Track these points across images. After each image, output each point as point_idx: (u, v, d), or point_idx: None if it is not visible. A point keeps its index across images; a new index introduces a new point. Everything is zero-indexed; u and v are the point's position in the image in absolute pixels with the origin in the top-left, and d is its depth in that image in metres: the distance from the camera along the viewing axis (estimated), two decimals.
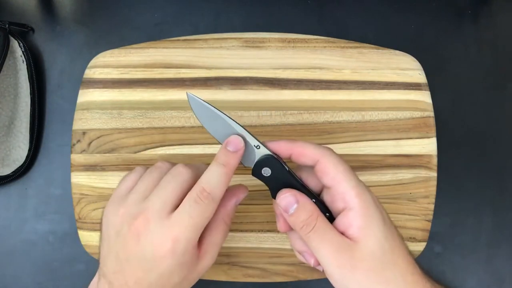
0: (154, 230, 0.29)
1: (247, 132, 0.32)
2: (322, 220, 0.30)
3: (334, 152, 0.31)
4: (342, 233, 0.30)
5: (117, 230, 0.30)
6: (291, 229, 0.33)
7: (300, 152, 0.31)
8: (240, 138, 0.31)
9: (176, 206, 0.30)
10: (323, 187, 0.33)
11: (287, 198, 0.31)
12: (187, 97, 0.32)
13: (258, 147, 0.32)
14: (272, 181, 0.32)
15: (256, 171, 0.32)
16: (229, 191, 0.33)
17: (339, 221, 0.30)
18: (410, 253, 0.31)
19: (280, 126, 0.43)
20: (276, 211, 0.33)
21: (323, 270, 0.31)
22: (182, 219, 0.29)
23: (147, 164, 0.42)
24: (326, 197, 0.32)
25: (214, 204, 0.30)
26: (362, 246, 0.29)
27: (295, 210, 0.30)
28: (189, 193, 0.30)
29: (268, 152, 0.32)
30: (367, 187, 0.31)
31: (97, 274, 0.32)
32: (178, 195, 0.30)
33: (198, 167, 0.33)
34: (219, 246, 0.32)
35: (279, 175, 0.32)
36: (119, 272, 0.29)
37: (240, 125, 0.32)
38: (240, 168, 0.32)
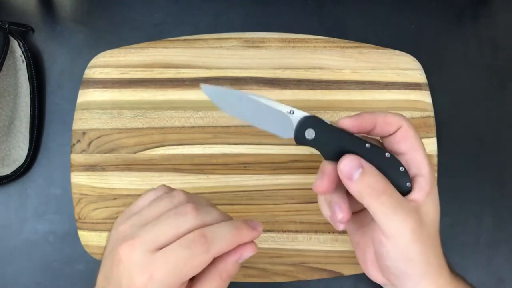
0: (135, 260, 0.27)
1: (275, 102, 0.30)
2: (390, 184, 0.30)
3: (408, 118, 0.32)
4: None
5: (111, 246, 0.30)
6: (328, 191, 0.31)
7: (385, 121, 0.31)
8: (261, 225, 0.31)
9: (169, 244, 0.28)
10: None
11: (351, 162, 0.29)
12: (202, 90, 0.30)
13: (291, 112, 0.30)
14: (320, 142, 0.30)
15: (299, 137, 0.30)
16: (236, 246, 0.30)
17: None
18: None
19: None
20: (325, 169, 0.31)
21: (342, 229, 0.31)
22: (165, 259, 0.27)
23: (147, 164, 0.43)
24: None
25: (207, 256, 0.27)
26: (425, 211, 0.30)
27: (361, 174, 0.29)
28: (188, 234, 0.28)
29: (305, 114, 0.30)
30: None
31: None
32: (173, 234, 0.28)
33: (209, 212, 0.30)
34: None
35: (325, 132, 0.30)
36: None
37: (262, 96, 0.30)
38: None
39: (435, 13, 0.50)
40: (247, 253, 0.30)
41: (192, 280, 0.29)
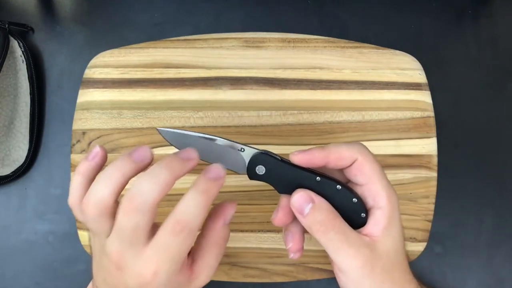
0: (132, 264, 0.27)
1: (225, 140, 0.31)
2: (340, 219, 0.30)
3: (368, 149, 0.31)
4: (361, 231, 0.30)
5: (99, 251, 0.29)
6: (286, 223, 0.32)
7: (337, 157, 0.30)
8: (221, 167, 0.28)
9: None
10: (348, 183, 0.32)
11: (301, 197, 0.30)
12: (159, 132, 0.32)
13: (242, 150, 0.31)
14: (271, 177, 0.31)
15: (251, 174, 0.31)
16: (215, 211, 0.30)
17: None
18: None
19: (280, 126, 0.43)
20: (280, 203, 0.32)
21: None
22: (158, 253, 0.26)
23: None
24: None
25: (191, 236, 0.27)
26: (380, 246, 0.29)
27: (311, 209, 0.29)
28: (164, 223, 0.27)
29: (255, 151, 0.31)
30: (393, 188, 0.31)
31: (91, 283, 0.32)
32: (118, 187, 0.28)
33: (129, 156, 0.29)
34: (214, 267, 0.30)
35: (274, 167, 0.31)
36: None
37: (216, 136, 0.31)
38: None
39: (435, 13, 0.50)
40: (229, 212, 0.30)
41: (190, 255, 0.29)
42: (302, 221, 0.30)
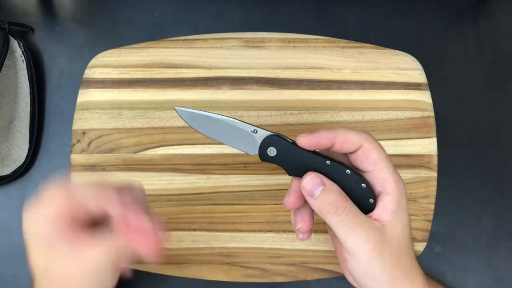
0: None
1: (239, 121, 0.32)
2: (350, 202, 0.30)
3: (374, 137, 0.31)
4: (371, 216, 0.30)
5: None
6: (298, 207, 0.32)
7: (344, 139, 0.31)
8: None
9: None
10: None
11: (312, 179, 0.30)
12: (177, 112, 0.33)
13: (255, 131, 0.32)
14: (282, 159, 0.32)
15: (262, 155, 0.32)
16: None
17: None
18: None
19: (280, 126, 0.43)
20: (291, 186, 0.32)
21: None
22: None
23: (147, 164, 0.43)
24: None
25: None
26: (390, 230, 0.30)
27: (321, 191, 0.30)
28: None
29: (267, 133, 0.32)
30: (399, 174, 0.31)
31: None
32: None
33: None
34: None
35: (286, 150, 0.31)
36: None
37: (230, 117, 0.32)
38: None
39: (435, 13, 0.50)
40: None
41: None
42: (312, 203, 0.30)
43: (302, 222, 0.33)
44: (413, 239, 0.42)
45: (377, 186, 0.31)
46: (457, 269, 0.45)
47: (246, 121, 0.32)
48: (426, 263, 0.45)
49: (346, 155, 0.33)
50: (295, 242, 0.42)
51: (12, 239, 0.46)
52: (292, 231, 0.42)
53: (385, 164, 0.31)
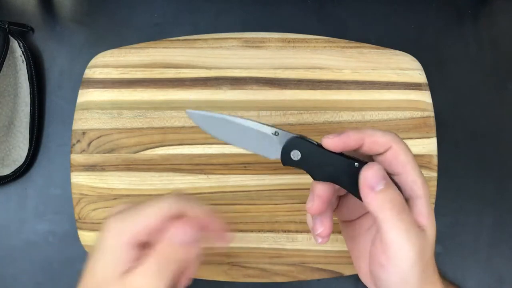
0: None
1: (257, 123, 0.30)
2: (405, 202, 0.29)
3: (400, 138, 0.30)
4: None
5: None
6: (322, 212, 0.31)
7: (373, 140, 0.29)
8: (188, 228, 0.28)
9: None
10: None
11: (377, 172, 0.28)
12: (188, 115, 0.31)
13: (276, 133, 0.29)
14: (307, 163, 0.29)
15: (285, 159, 0.30)
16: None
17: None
18: None
19: (280, 126, 0.43)
20: (316, 191, 0.30)
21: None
22: None
23: (147, 164, 0.43)
24: None
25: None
26: (428, 235, 0.29)
27: (385, 186, 0.28)
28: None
29: (290, 135, 0.29)
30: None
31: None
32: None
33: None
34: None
35: (311, 152, 0.29)
36: None
37: (247, 119, 0.30)
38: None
39: (435, 13, 0.50)
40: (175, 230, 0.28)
41: None
42: (369, 196, 0.28)
43: (322, 227, 0.31)
44: None
45: (407, 189, 0.30)
46: (457, 269, 0.45)
47: (264, 122, 0.30)
48: None
49: (371, 156, 0.31)
50: (295, 242, 0.42)
51: (12, 239, 0.46)
52: (292, 231, 0.42)
53: (414, 166, 0.30)
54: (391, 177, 0.30)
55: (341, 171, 0.29)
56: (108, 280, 0.27)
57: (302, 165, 0.30)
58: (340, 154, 0.30)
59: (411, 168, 0.30)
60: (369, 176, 0.28)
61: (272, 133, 0.30)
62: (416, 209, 0.29)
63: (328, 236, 0.32)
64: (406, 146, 0.30)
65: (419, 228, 0.29)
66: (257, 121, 0.30)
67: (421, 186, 0.30)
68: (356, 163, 0.29)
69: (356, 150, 0.30)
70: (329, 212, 0.32)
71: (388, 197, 0.28)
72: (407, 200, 0.30)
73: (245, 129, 0.30)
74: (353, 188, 0.29)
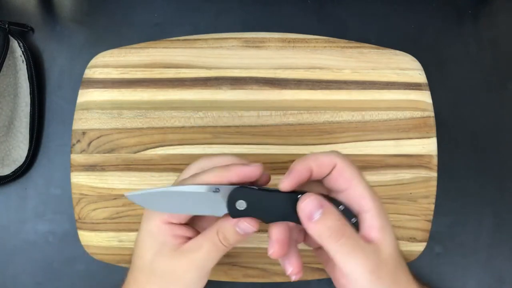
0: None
1: (199, 186, 0.30)
2: (349, 225, 0.29)
3: (343, 155, 0.31)
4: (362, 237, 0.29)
5: None
6: (285, 254, 0.31)
7: (318, 164, 0.30)
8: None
9: None
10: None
11: (312, 202, 0.28)
12: (128, 198, 0.31)
13: (217, 190, 0.29)
14: (254, 209, 0.30)
15: (233, 212, 0.30)
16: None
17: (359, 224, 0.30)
18: None
19: (280, 126, 0.43)
20: (272, 236, 0.30)
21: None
22: None
23: (147, 164, 0.42)
24: None
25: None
26: (383, 248, 0.29)
27: (322, 215, 0.28)
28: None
29: (229, 187, 0.30)
30: (373, 188, 0.31)
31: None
32: None
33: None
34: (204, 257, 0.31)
35: (254, 198, 0.29)
36: None
37: (183, 185, 0.30)
38: None
39: (435, 13, 0.50)
40: (244, 224, 0.30)
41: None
42: (309, 227, 0.29)
43: (291, 267, 0.32)
44: (412, 239, 0.42)
45: (355, 206, 0.30)
46: (457, 269, 0.45)
47: (203, 182, 0.30)
48: (426, 263, 0.45)
49: (320, 182, 0.32)
50: None
51: (12, 239, 0.46)
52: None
53: (359, 180, 0.30)
54: (337, 196, 0.31)
55: (287, 207, 0.30)
56: (159, 255, 0.30)
57: (250, 213, 0.30)
58: (286, 192, 0.30)
59: (357, 182, 0.30)
60: (304, 207, 0.29)
61: (213, 191, 0.29)
62: (366, 223, 0.29)
63: (300, 271, 0.32)
64: (351, 162, 0.30)
65: (369, 243, 0.29)
66: (196, 184, 0.30)
67: (369, 199, 0.29)
68: (299, 195, 0.29)
69: (308, 180, 0.30)
70: (293, 250, 0.32)
71: (326, 225, 0.28)
72: (357, 214, 0.30)
73: (187, 195, 0.30)
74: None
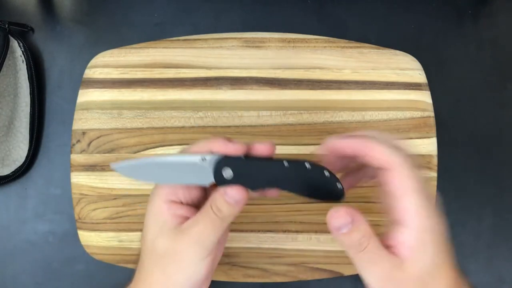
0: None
1: (186, 155, 0.30)
2: (374, 240, 0.28)
3: (410, 160, 0.28)
4: (388, 245, 0.28)
5: None
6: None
7: (375, 156, 0.28)
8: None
9: None
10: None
11: (344, 217, 0.28)
12: (115, 170, 0.31)
13: (204, 159, 0.30)
14: (241, 177, 0.30)
15: (219, 181, 0.30)
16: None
17: (389, 233, 0.29)
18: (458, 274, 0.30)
19: (280, 126, 0.43)
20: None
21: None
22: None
23: None
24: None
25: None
26: (409, 267, 0.28)
27: (349, 230, 0.28)
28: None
29: (215, 156, 0.30)
30: (437, 216, 0.29)
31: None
32: None
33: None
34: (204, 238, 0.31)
35: (240, 166, 0.30)
36: None
37: (173, 154, 0.31)
38: None
39: (435, 13, 0.50)
40: (231, 191, 0.30)
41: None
42: (336, 235, 0.28)
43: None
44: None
45: (395, 213, 0.28)
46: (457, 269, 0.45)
47: (196, 152, 0.30)
48: None
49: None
50: (295, 242, 0.42)
51: (12, 239, 0.46)
52: (292, 231, 0.42)
53: (412, 198, 0.27)
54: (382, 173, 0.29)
55: (274, 175, 0.30)
56: (159, 236, 0.30)
57: (237, 182, 0.30)
58: (267, 158, 0.30)
59: (408, 197, 0.28)
60: (335, 222, 0.28)
61: (199, 160, 0.30)
62: (399, 237, 0.28)
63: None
64: (413, 169, 0.28)
65: (393, 255, 0.28)
66: (182, 154, 0.31)
67: (415, 217, 0.28)
68: (285, 163, 0.29)
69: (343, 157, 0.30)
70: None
71: (350, 239, 0.28)
72: (396, 222, 0.28)
73: (174, 165, 0.30)
74: (289, 187, 0.30)
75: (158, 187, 0.31)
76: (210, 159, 0.30)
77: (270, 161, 0.30)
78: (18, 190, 0.47)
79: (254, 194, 0.31)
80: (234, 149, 0.30)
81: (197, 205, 0.32)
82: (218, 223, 0.30)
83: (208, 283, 0.33)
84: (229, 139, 0.31)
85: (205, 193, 0.33)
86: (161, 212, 0.31)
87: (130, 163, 0.30)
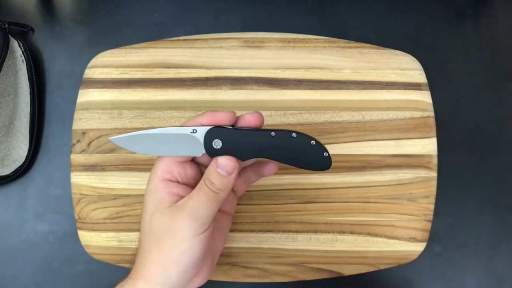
0: None
1: (178, 128, 0.32)
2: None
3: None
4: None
5: None
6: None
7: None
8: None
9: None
10: None
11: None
12: (113, 141, 0.33)
13: (194, 131, 0.32)
14: (230, 147, 0.32)
15: (210, 151, 0.32)
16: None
17: None
18: None
19: (280, 126, 0.43)
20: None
21: None
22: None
23: (147, 164, 0.42)
24: None
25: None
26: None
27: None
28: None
29: (205, 128, 0.31)
30: None
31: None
32: None
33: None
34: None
35: (230, 136, 0.31)
36: None
37: (165, 127, 0.32)
38: None
39: (435, 13, 0.50)
40: (221, 160, 0.31)
41: None
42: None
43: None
44: (412, 239, 0.42)
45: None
46: (457, 269, 0.45)
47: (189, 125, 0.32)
48: (426, 263, 0.45)
49: None
50: (295, 242, 0.42)
51: (12, 239, 0.46)
52: (292, 231, 0.42)
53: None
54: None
55: (261, 144, 0.32)
56: (155, 213, 0.31)
57: (227, 152, 0.32)
58: (256, 129, 0.32)
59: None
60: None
61: (190, 132, 0.32)
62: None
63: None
64: None
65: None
66: (174, 126, 0.32)
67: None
68: (272, 133, 0.31)
69: None
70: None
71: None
72: None
73: (167, 137, 0.32)
74: (277, 156, 0.32)
75: (155, 167, 0.33)
76: (201, 131, 0.31)
77: (258, 131, 0.32)
78: (18, 190, 0.47)
79: (253, 178, 0.33)
80: (222, 115, 0.31)
81: (193, 186, 0.33)
82: (212, 196, 0.31)
83: (208, 271, 0.33)
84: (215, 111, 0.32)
85: (201, 173, 0.34)
86: (157, 190, 0.32)
87: (126, 135, 0.32)
